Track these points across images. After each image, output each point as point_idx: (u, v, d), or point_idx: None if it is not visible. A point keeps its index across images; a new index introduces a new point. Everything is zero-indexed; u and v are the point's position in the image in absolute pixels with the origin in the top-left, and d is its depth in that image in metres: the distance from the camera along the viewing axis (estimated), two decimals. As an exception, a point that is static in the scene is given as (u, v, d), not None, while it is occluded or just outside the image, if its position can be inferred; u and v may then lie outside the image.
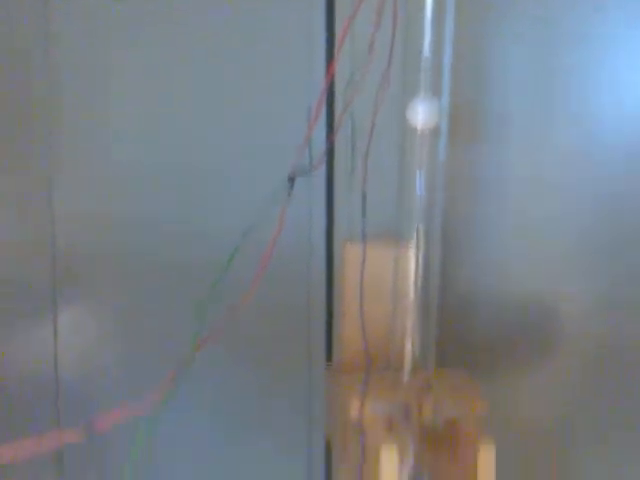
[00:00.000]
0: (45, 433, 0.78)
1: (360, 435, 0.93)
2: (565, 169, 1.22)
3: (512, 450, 1.25)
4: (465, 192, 1.20)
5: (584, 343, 1.24)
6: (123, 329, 1.23)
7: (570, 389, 1.25)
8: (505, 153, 1.21)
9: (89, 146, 1.20)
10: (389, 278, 1.08)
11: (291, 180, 0.97)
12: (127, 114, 1.19)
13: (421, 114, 0.96)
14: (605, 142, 1.20)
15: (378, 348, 1.06)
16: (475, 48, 1.17)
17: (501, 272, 1.23)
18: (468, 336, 1.23)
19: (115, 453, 1.20)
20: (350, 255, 1.11)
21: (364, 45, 0.95)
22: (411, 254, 1.02)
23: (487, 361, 1.23)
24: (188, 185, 1.21)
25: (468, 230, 1.22)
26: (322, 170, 1.18)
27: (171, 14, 1.16)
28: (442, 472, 1.00)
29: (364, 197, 1.02)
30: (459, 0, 0.95)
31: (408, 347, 1.03)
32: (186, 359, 0.81)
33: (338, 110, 1.15)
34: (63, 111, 1.18)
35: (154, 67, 1.17)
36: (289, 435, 1.24)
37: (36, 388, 1.26)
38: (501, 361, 1.23)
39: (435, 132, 0.99)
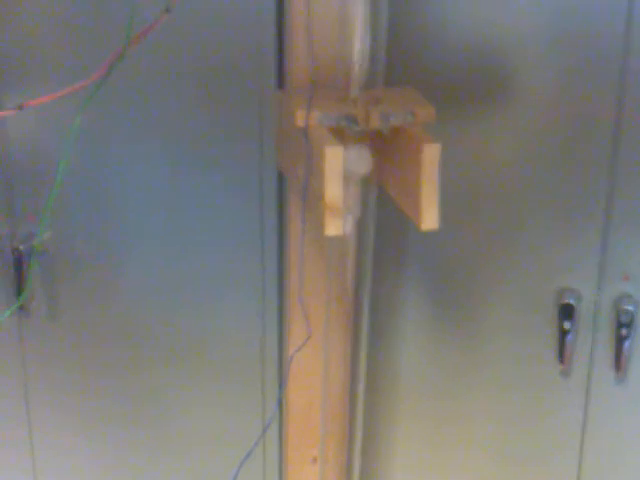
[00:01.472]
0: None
1: (305, 143, 0.94)
2: None
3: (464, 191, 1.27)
4: None
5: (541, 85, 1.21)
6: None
7: (526, 133, 1.23)
8: None
9: None
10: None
11: None
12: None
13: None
14: None
15: (326, 70, 1.05)
16: None
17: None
18: (419, 69, 1.21)
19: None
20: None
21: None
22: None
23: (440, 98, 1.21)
24: None
25: None
26: None
27: None
28: (389, 176, 1.02)
29: None
30: None
31: (356, 67, 1.03)
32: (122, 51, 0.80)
33: None
34: None
35: None
36: (240, 168, 1.25)
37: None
38: (454, 96, 1.22)
39: None
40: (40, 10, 1.19)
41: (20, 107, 0.73)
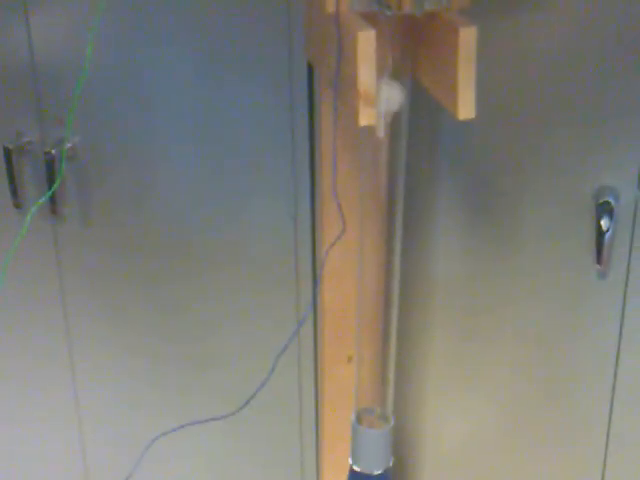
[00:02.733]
0: None
1: (336, 30, 0.91)
2: None
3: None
4: None
5: None
6: None
7: (567, 25, 1.18)
8: None
9: None
10: None
11: None
12: None
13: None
14: None
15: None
16: None
17: None
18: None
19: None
20: None
21: None
22: None
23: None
24: None
25: None
26: None
27: None
28: (423, 64, 0.99)
29: None
30: None
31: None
32: None
33: None
34: None
35: None
36: (269, 59, 1.23)
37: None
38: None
39: None
40: None
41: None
